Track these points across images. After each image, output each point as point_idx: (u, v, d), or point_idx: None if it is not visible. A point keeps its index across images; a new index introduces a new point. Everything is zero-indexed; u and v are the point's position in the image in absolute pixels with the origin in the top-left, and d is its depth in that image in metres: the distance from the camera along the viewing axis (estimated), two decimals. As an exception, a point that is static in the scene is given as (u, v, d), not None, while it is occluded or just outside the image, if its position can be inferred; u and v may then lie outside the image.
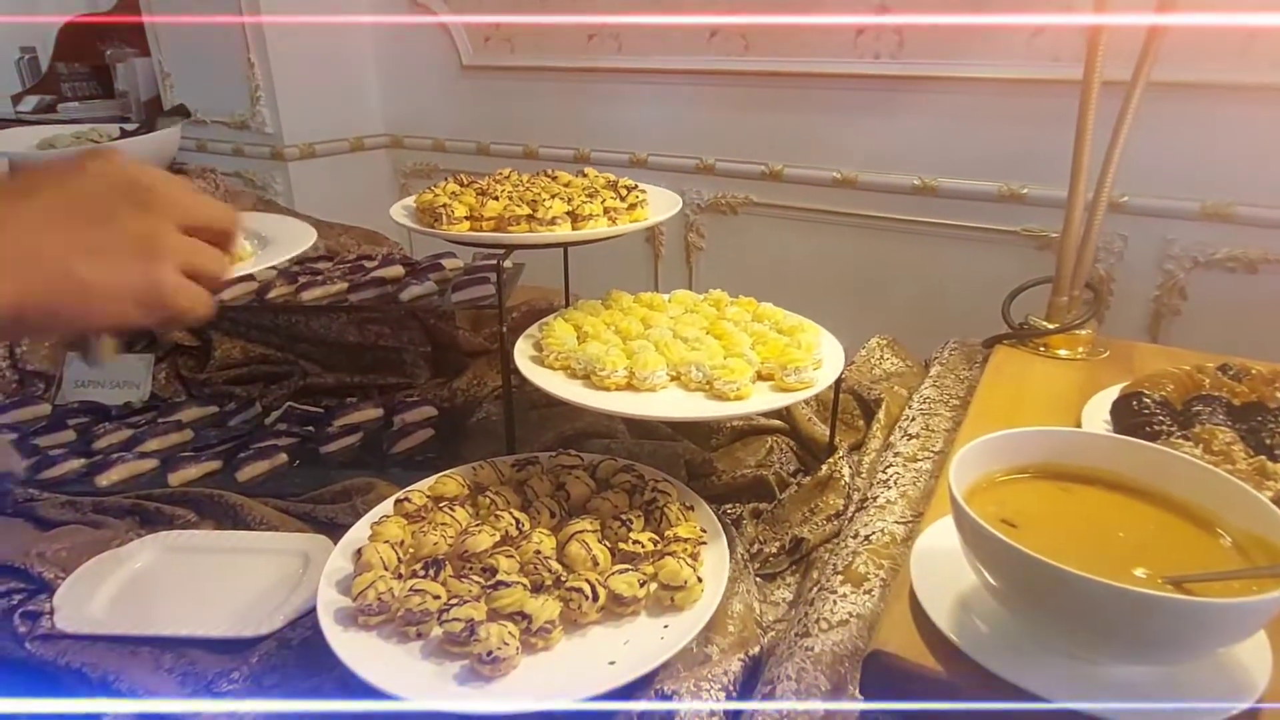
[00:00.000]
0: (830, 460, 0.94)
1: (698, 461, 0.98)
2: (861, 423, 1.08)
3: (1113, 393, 0.79)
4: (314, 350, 1.25)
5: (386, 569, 0.69)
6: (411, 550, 0.73)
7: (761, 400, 0.80)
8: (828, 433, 0.99)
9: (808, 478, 0.95)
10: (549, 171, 1.11)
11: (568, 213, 0.89)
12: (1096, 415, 0.77)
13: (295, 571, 0.83)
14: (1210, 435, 0.66)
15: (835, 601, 0.65)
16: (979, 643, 0.51)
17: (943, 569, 0.56)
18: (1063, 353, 0.98)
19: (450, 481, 0.81)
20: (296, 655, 0.70)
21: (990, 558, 0.49)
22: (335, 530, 0.89)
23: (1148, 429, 0.68)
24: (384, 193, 2.83)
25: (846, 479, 0.93)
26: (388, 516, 0.77)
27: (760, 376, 0.84)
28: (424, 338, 1.26)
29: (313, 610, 0.68)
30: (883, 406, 1.04)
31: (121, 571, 0.83)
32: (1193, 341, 1.69)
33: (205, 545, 0.87)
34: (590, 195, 0.96)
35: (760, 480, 0.95)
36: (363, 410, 1.15)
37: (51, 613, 0.76)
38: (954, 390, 1.01)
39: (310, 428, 1.12)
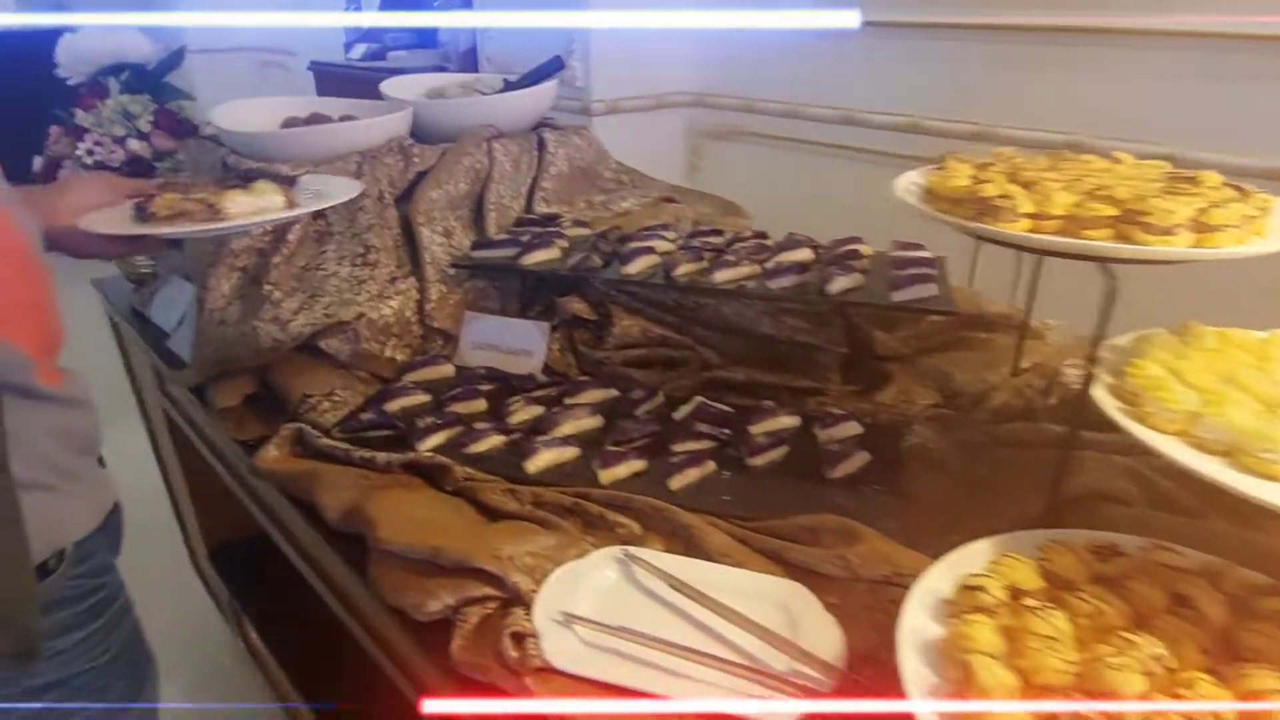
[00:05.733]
0: None
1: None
2: None
3: None
4: (713, 337, 1.12)
5: (1002, 697, 0.52)
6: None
7: None
8: None
9: None
10: (1064, 153, 0.87)
11: (1192, 220, 0.66)
12: None
13: (779, 627, 0.69)
14: None
15: None
16: None
17: None
18: None
19: (1018, 565, 0.62)
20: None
21: None
22: (809, 577, 0.75)
23: None
24: (674, 153, 2.73)
25: None
26: (957, 607, 0.59)
27: None
28: (843, 337, 1.08)
29: None
30: None
31: (586, 589, 0.73)
32: None
33: (667, 573, 0.75)
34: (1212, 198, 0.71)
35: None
36: (779, 417, 1.00)
37: (536, 637, 0.67)
38: None
39: (725, 430, 0.98)
